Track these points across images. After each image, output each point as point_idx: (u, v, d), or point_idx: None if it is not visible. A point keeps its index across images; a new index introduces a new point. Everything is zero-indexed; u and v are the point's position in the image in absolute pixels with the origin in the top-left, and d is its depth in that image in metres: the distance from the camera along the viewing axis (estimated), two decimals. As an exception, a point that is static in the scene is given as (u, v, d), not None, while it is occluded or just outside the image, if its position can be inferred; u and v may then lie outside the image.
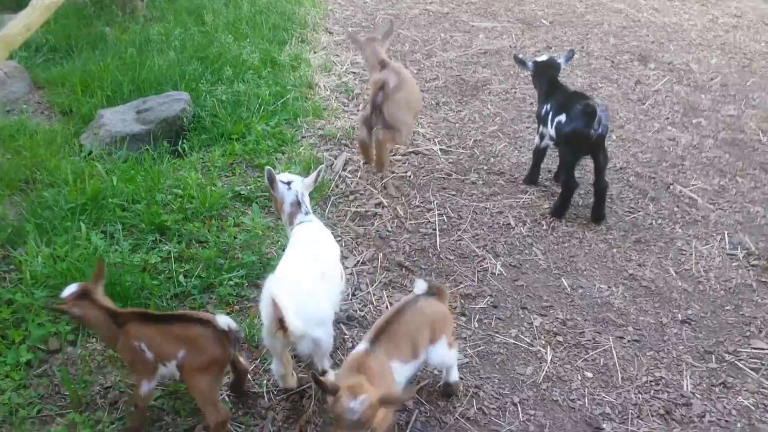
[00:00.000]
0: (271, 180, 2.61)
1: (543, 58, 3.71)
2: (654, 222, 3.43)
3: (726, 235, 3.33)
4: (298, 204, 2.62)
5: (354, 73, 5.18)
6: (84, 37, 5.27)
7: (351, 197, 3.65)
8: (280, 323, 2.13)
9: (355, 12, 6.54)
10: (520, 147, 4.16)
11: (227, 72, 4.58)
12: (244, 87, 4.45)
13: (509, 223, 3.45)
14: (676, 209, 3.53)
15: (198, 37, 4.99)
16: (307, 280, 2.32)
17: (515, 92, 4.86)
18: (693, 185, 3.73)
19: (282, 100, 4.44)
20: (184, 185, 3.48)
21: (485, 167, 3.96)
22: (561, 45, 5.62)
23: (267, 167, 2.63)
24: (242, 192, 3.54)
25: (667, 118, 4.43)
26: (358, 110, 4.64)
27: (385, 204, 3.61)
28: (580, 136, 3.20)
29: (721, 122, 4.36)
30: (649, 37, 5.72)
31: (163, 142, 3.99)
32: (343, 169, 3.92)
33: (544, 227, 3.41)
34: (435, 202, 3.62)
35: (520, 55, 3.79)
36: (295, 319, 2.12)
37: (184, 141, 4.04)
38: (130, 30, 5.27)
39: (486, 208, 3.57)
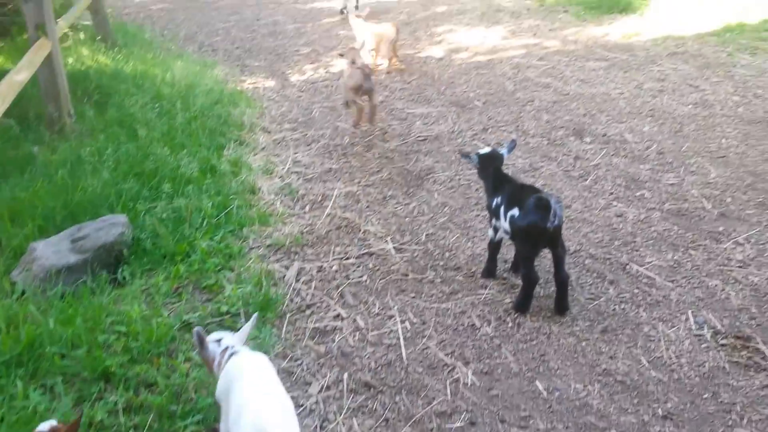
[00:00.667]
0: (201, 341, 2.49)
1: (486, 150, 3.71)
2: (617, 307, 3.39)
3: (690, 315, 3.31)
4: (224, 354, 2.47)
5: (296, 173, 5.11)
6: (11, 161, 5.03)
7: (308, 311, 3.49)
8: None
9: (291, 107, 6.54)
10: (473, 237, 4.11)
11: (166, 187, 4.43)
12: (184, 201, 4.29)
13: (474, 324, 3.35)
14: (636, 291, 3.50)
15: (132, 152, 4.83)
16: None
17: (459, 179, 4.86)
18: (648, 263, 3.73)
19: (225, 211, 4.30)
20: (128, 320, 3.26)
21: (441, 263, 3.88)
22: (497, 125, 5.71)
23: (196, 328, 2.50)
24: (191, 320, 3.33)
25: (611, 193, 4.48)
26: (304, 210, 4.55)
27: (344, 315, 3.47)
28: (537, 229, 3.16)
29: (664, 192, 4.44)
30: (580, 109, 5.88)
31: (102, 271, 3.77)
32: (297, 280, 3.77)
33: (510, 324, 3.32)
34: (395, 308, 3.50)
35: (465, 150, 3.79)
36: None
37: (125, 267, 3.83)
38: (60, 149, 5.07)
39: (448, 309, 3.47)
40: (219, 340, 2.53)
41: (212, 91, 6.37)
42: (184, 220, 4.13)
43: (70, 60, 6.81)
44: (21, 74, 4.68)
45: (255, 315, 2.72)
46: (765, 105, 5.79)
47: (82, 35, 7.92)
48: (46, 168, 4.82)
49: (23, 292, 3.57)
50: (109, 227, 3.99)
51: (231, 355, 2.46)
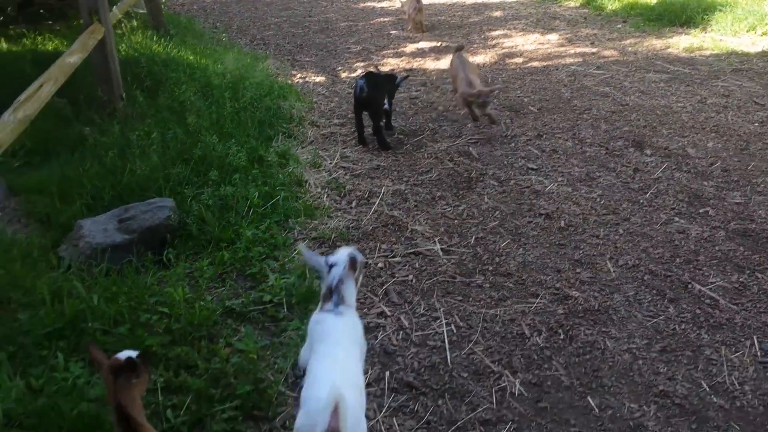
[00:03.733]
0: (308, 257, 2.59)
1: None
2: (677, 327, 3.21)
3: (755, 340, 3.11)
4: (331, 291, 2.46)
5: (344, 168, 5.03)
6: (62, 140, 5.07)
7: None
8: None
9: (340, 103, 6.47)
10: (524, 244, 3.96)
11: (213, 174, 4.38)
12: (231, 190, 4.24)
13: (523, 333, 3.20)
14: (698, 311, 3.32)
15: (181, 138, 4.81)
16: (354, 392, 2.17)
17: (512, 183, 4.71)
18: (712, 283, 3.53)
19: (272, 202, 4.24)
20: (171, 302, 3.21)
21: (490, 268, 3.75)
22: (552, 132, 5.54)
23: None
24: (234, 307, 3.27)
25: (673, 209, 4.28)
26: (350, 206, 4.46)
27: (388, 314, 3.36)
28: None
29: (729, 211, 4.22)
30: (640, 121, 5.67)
31: (147, 252, 3.73)
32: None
33: (562, 336, 3.17)
34: (441, 310, 3.38)
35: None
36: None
37: (170, 250, 3.79)
38: (110, 131, 5.07)
39: (496, 315, 3.33)
40: (332, 265, 2.49)
41: (262, 84, 6.33)
42: (231, 208, 4.08)
43: (123, 46, 6.85)
44: (73, 57, 4.69)
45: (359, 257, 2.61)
46: (836, 127, 5.51)
47: (135, 23, 7.98)
48: (95, 149, 4.83)
49: (69, 267, 3.56)
50: (156, 210, 3.96)
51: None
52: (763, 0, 8.97)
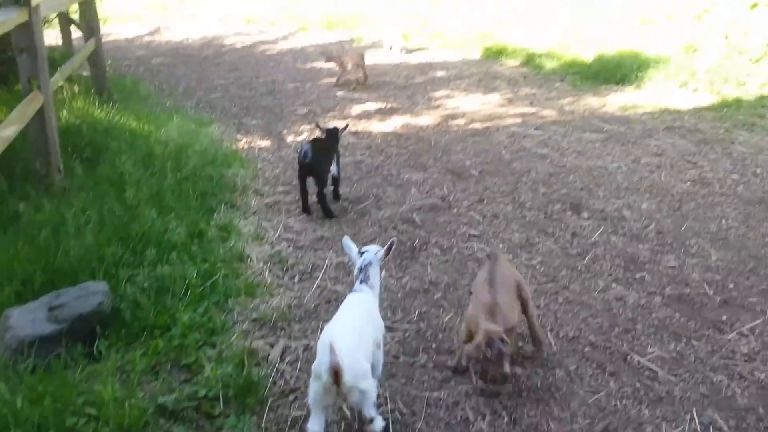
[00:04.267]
0: (348, 248, 3.37)
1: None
2: (618, 403, 3.21)
3: (695, 413, 3.14)
4: (360, 271, 3.21)
5: (287, 239, 4.97)
6: (-6, 218, 4.89)
7: (291, 396, 3.29)
8: (335, 374, 2.54)
9: (285, 169, 6.46)
10: (468, 318, 3.95)
11: (150, 253, 4.27)
12: (168, 269, 4.13)
13: (467, 417, 3.15)
14: (638, 385, 3.33)
15: (119, 214, 4.70)
16: (351, 337, 2.78)
17: (455, 252, 4.73)
18: (650, 353, 3.57)
19: (211, 281, 4.14)
20: (99, 402, 3.06)
21: (434, 345, 3.72)
22: (493, 196, 5.63)
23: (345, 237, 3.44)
24: (167, 404, 3.13)
25: (610, 274, 4.36)
26: (293, 281, 4.40)
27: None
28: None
29: (664, 275, 4.31)
30: (577, 183, 5.81)
31: (77, 343, 3.58)
32: (281, 360, 3.59)
33: (506, 420, 3.13)
34: (386, 395, 3.31)
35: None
36: (347, 370, 2.57)
37: (102, 340, 3.64)
38: (46, 208, 4.92)
39: (440, 399, 3.28)
40: (362, 252, 3.29)
41: (206, 151, 6.28)
42: (167, 290, 3.96)
43: (64, 113, 6.74)
44: (9, 129, 4.57)
45: (393, 239, 3.32)
46: (764, 184, 5.74)
47: (76, 88, 7.87)
48: (29, 227, 4.67)
49: (-7, 365, 3.37)
50: (89, 295, 3.81)
51: (354, 291, 3.17)
52: (694, 55, 9.41)
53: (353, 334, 2.82)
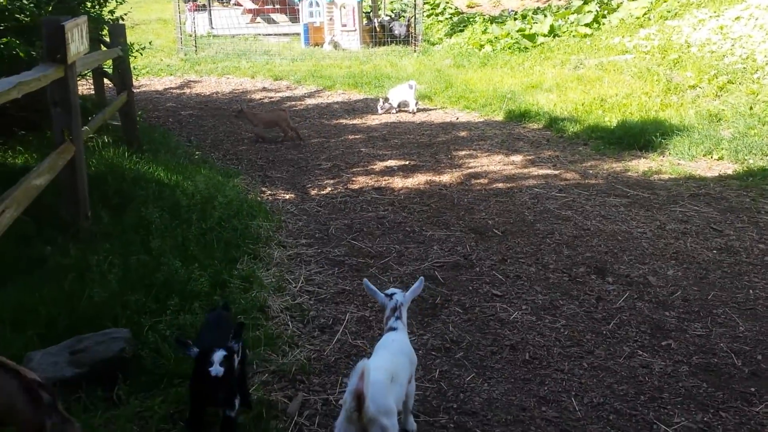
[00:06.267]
0: (373, 291, 3.54)
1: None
2: (645, 474, 3.11)
3: (725, 489, 3.02)
4: (393, 311, 3.41)
5: (308, 292, 4.98)
6: (21, 260, 4.98)
7: (309, 453, 3.24)
8: (359, 402, 2.59)
9: (308, 222, 6.51)
10: (489, 378, 3.89)
11: (173, 302, 4.29)
12: (191, 318, 4.15)
13: (487, 482, 3.08)
14: (665, 456, 3.24)
15: (143, 262, 4.75)
16: (382, 374, 2.85)
17: (477, 311, 4.70)
18: (677, 423, 3.47)
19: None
20: (116, 450, 3.04)
21: (455, 405, 3.65)
22: (516, 257, 5.61)
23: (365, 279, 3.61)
24: (187, 453, 3.10)
25: (636, 341, 4.28)
26: (313, 335, 4.38)
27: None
28: None
29: (691, 344, 4.23)
30: (601, 246, 5.78)
31: (97, 388, 3.58)
32: (299, 414, 3.54)
33: (527, 486, 3.04)
34: (403, 456, 3.25)
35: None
36: (370, 400, 2.62)
37: (122, 386, 3.63)
38: (72, 254, 5.00)
39: (460, 462, 3.21)
40: (391, 295, 3.49)
41: (231, 203, 6.37)
42: (189, 338, 3.96)
43: (93, 161, 6.90)
44: (40, 179, 4.67)
45: (421, 278, 3.59)
46: (791, 255, 5.67)
47: (106, 138, 8.07)
48: (55, 272, 4.74)
49: (12, 408, 3.37)
50: (111, 341, 3.84)
51: (390, 328, 3.38)
52: (718, 124, 9.45)
53: (386, 372, 2.91)
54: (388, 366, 2.99)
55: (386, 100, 12.02)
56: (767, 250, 5.65)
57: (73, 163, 5.43)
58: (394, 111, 11.91)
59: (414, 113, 11.72)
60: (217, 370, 2.97)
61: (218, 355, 3.02)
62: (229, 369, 3.03)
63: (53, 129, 5.49)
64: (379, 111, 11.86)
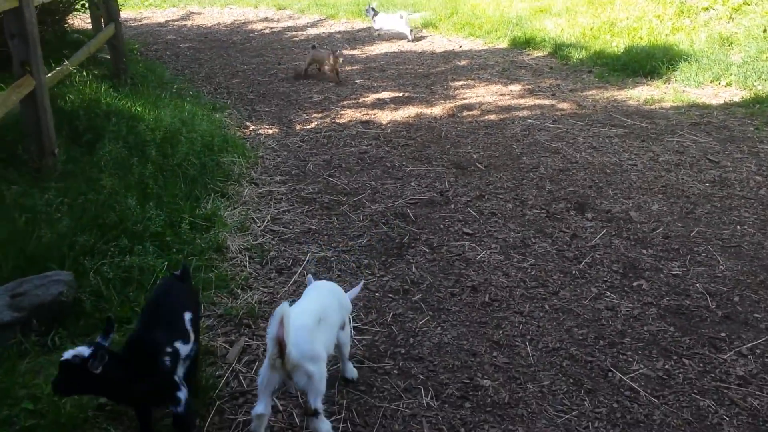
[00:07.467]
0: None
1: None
2: (590, 425, 2.93)
3: (673, 441, 2.84)
4: None
5: (272, 232, 4.79)
6: (-21, 200, 4.84)
7: (241, 400, 3.11)
8: (280, 348, 2.49)
9: (287, 158, 6.28)
10: (444, 323, 3.71)
11: (123, 242, 4.14)
12: (137, 260, 4.00)
13: (422, 432, 2.93)
14: (615, 405, 3.04)
15: (97, 199, 4.58)
16: (307, 317, 2.71)
17: (444, 250, 4.48)
18: (634, 371, 3.26)
19: (181, 272, 3.98)
20: (39, 396, 2.94)
21: (402, 351, 3.48)
22: (494, 192, 5.33)
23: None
24: (108, 404, 2.99)
25: (606, 281, 4.04)
26: (269, 276, 4.22)
27: (280, 407, 3.08)
28: None
29: (664, 285, 3.97)
30: (586, 180, 5.46)
31: (32, 334, 3.47)
32: (238, 360, 3.41)
33: (463, 438, 2.89)
34: (342, 403, 3.10)
35: None
36: (293, 345, 2.52)
37: (60, 330, 3.52)
38: (32, 192, 4.84)
39: (398, 411, 3.05)
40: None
41: (207, 137, 6.14)
42: (133, 281, 3.83)
43: (70, 96, 6.68)
44: (-10, 115, 4.49)
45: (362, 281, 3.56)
46: (791, 187, 5.30)
47: (96, 72, 7.83)
48: (11, 211, 4.60)
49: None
50: (51, 284, 3.70)
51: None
52: (729, 49, 8.86)
53: (313, 315, 2.76)
54: (316, 308, 2.83)
55: (372, 9, 11.91)
56: (763, 183, 5.29)
57: (33, 98, 5.22)
58: (377, 34, 11.59)
59: (411, 41, 11.21)
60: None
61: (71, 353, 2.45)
62: (172, 364, 2.65)
63: (13, 62, 5.28)
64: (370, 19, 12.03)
